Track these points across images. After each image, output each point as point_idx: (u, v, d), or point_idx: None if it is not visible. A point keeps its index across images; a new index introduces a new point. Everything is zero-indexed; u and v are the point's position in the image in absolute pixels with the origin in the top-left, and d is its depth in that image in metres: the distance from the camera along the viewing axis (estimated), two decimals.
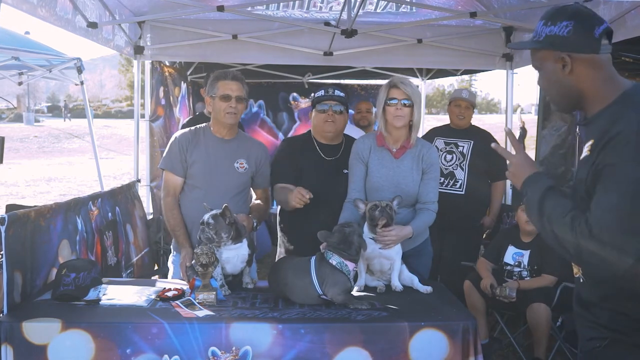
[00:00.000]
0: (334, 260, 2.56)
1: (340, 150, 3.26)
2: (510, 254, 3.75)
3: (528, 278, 3.64)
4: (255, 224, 3.02)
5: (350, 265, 2.57)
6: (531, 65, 1.83)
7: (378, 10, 4.97)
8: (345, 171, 3.15)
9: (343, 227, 2.64)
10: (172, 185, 3.09)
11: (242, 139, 3.20)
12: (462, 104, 4.32)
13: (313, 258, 2.64)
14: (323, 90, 3.21)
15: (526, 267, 3.68)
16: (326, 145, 3.26)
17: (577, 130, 4.82)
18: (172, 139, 3.15)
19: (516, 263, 3.71)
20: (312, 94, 3.31)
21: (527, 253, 3.70)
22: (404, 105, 2.89)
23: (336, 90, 3.19)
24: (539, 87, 1.88)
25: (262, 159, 3.18)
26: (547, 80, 1.78)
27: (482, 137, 4.33)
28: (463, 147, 4.26)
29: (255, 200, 3.27)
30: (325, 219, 2.98)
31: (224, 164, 3.07)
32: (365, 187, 3.02)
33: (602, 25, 1.69)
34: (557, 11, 1.72)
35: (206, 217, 2.69)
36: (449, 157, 4.25)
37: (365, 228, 2.81)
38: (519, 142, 1.89)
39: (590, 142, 1.65)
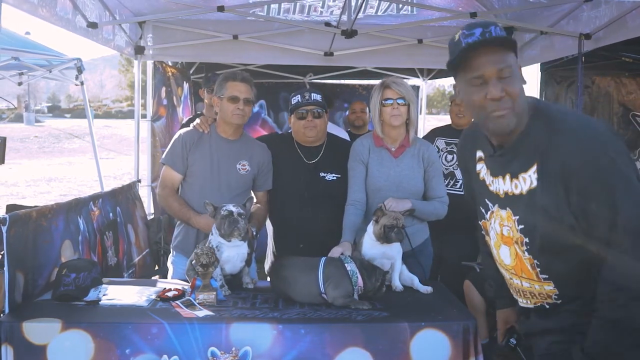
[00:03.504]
0: (350, 266, 2.55)
1: (321, 152, 3.21)
2: None
3: None
4: (255, 232, 3.00)
5: (360, 281, 2.54)
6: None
7: (379, 13, 4.98)
8: (322, 174, 3.15)
9: (377, 267, 2.62)
10: (169, 180, 3.10)
11: (246, 140, 3.20)
12: (461, 103, 4.32)
13: (324, 257, 2.65)
14: (299, 96, 3.13)
15: None
16: (307, 147, 3.22)
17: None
18: (176, 135, 3.15)
19: None
20: (291, 99, 3.19)
21: None
22: (400, 104, 2.93)
23: (312, 94, 3.13)
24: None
25: (265, 161, 3.17)
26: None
27: None
28: None
29: (254, 203, 3.26)
30: (303, 220, 3.09)
31: (226, 164, 3.07)
32: (366, 188, 3.03)
33: None
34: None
35: (233, 209, 2.68)
36: (449, 157, 4.25)
37: (370, 228, 2.81)
38: None
39: (533, 168, 1.62)
